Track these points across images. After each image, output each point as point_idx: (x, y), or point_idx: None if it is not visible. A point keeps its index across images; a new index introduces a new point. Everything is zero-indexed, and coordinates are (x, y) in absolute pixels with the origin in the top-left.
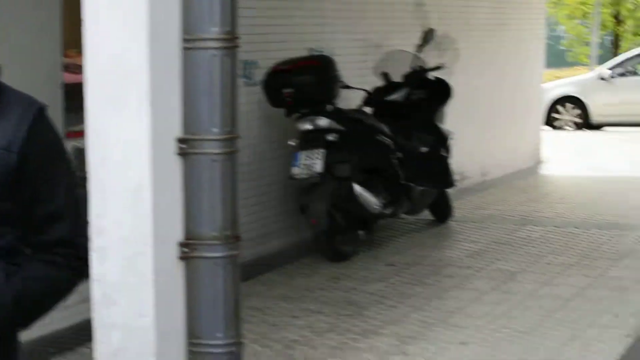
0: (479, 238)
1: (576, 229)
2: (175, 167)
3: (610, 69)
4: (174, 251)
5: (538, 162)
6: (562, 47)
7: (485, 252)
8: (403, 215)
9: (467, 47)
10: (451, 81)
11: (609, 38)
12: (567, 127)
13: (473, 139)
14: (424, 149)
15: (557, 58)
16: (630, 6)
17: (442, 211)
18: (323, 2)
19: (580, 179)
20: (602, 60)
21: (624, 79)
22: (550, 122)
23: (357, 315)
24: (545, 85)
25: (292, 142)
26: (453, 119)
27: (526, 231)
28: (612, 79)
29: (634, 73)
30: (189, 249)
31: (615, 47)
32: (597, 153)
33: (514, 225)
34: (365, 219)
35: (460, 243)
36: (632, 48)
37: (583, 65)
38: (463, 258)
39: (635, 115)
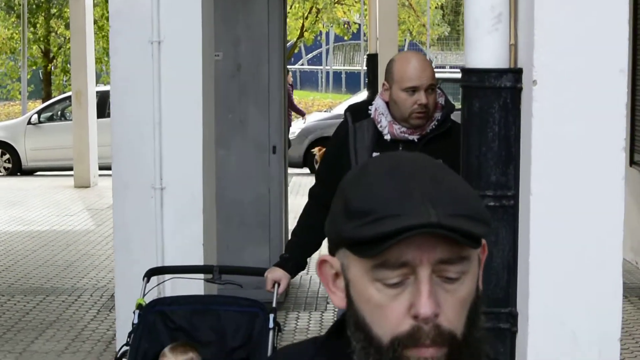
0: None
1: (2, 297)
2: None
3: (38, 113)
4: None
5: None
6: None
7: None
8: None
9: None
10: None
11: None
12: (0, 173)
13: None
14: None
15: None
16: (59, 41)
17: None
18: None
19: (9, 235)
20: (35, 95)
21: (53, 123)
22: None
23: None
24: None
25: None
26: None
27: None
28: (41, 124)
29: (63, 117)
30: None
31: (46, 84)
32: (28, 203)
33: None
34: None
35: None
36: (63, 83)
37: (18, 100)
38: None
39: (65, 160)
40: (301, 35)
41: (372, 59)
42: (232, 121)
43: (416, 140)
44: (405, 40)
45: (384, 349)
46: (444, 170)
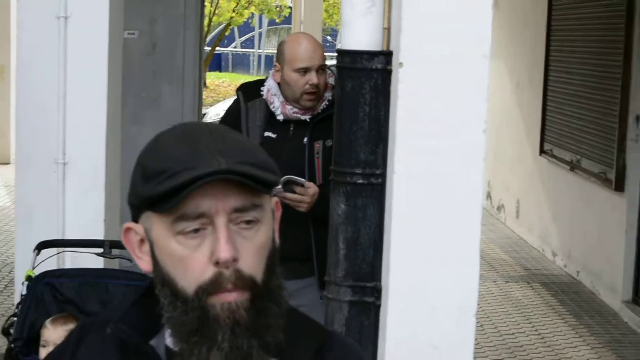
0: None
1: None
2: None
3: None
4: None
5: None
6: None
7: None
8: None
9: None
10: None
11: None
12: None
13: None
14: None
15: None
16: None
17: None
18: None
19: None
20: None
21: None
22: None
23: None
24: None
25: None
26: None
27: None
28: None
29: None
30: None
31: None
32: None
33: None
34: None
35: None
36: None
37: None
38: None
39: None
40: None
41: None
42: (145, 99)
43: (308, 120)
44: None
45: (190, 300)
46: (230, 131)
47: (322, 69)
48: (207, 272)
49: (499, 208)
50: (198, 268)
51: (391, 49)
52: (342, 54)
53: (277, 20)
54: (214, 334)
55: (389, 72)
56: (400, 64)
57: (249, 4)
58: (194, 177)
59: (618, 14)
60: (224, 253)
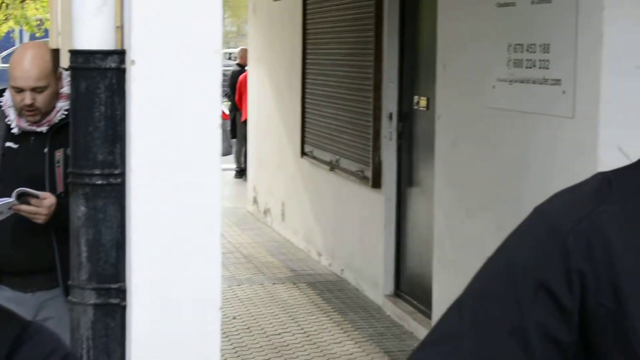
0: None
1: None
2: None
3: None
4: None
5: None
6: None
7: None
8: None
9: None
10: None
11: None
12: None
13: None
14: None
15: None
16: None
17: None
18: None
19: None
20: None
21: None
22: None
23: None
24: None
25: None
26: None
27: None
28: None
29: None
30: None
31: None
32: None
33: None
34: None
35: None
36: None
37: None
38: None
39: None
40: None
41: (55, 54)
42: None
43: (45, 132)
44: None
45: None
46: None
47: (39, 89)
48: None
49: (265, 212)
50: None
51: (125, 47)
52: (75, 54)
53: (38, 35)
54: None
55: (123, 71)
56: (133, 62)
57: (7, 18)
58: None
59: (367, 15)
60: None
